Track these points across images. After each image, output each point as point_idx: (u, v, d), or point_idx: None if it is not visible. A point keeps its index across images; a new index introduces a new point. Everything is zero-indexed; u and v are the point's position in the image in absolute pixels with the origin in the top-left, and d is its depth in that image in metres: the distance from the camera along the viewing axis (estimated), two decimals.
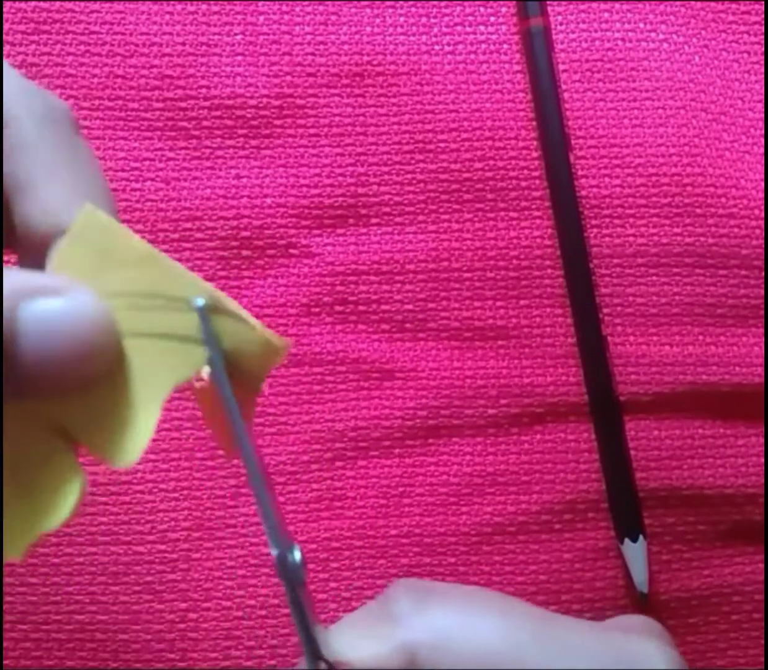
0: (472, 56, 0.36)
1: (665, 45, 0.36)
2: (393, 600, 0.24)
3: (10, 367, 0.17)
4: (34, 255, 0.20)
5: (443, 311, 0.34)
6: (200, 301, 0.19)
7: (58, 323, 0.17)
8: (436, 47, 0.36)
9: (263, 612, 0.32)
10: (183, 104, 0.35)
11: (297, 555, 0.21)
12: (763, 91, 0.36)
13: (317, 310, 0.34)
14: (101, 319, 0.18)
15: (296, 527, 0.33)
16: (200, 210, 0.34)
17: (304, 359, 0.34)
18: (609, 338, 0.34)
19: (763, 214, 0.34)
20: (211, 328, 0.19)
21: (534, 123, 0.35)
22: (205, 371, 0.19)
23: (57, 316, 0.17)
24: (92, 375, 0.18)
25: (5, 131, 0.20)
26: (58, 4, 0.35)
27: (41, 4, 0.35)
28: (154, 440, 0.23)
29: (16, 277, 0.17)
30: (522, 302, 0.34)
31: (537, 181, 0.35)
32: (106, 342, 0.18)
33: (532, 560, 0.33)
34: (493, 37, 0.36)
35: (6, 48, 0.35)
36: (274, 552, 0.20)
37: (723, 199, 0.35)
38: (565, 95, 0.35)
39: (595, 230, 0.35)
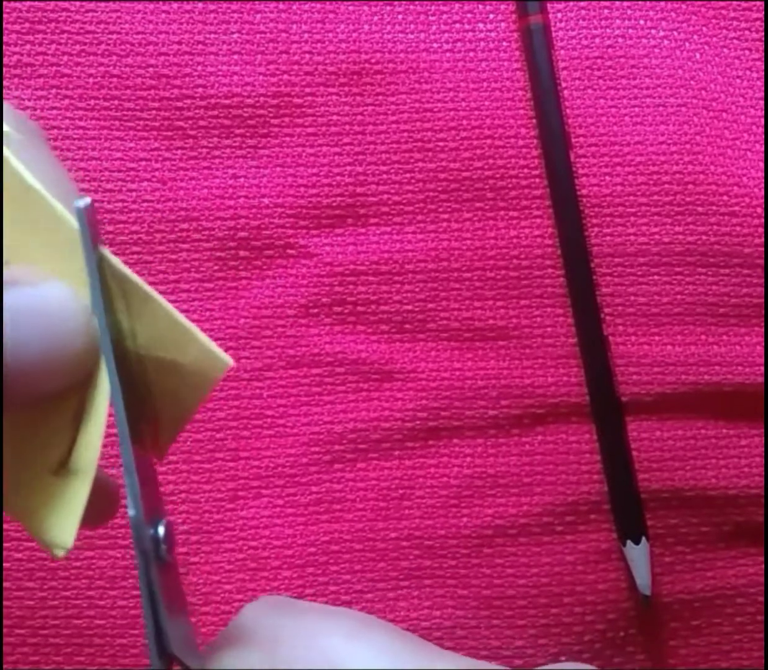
0: (471, 54, 0.35)
1: (666, 42, 0.36)
2: (249, 618, 0.22)
3: None
4: None
5: (443, 312, 0.34)
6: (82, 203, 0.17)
7: (32, 315, 0.16)
8: (435, 45, 0.35)
9: None
10: (179, 104, 0.34)
11: (161, 529, 0.18)
12: (764, 87, 0.36)
13: (316, 311, 0.34)
14: (77, 312, 0.17)
15: (295, 530, 0.32)
16: (197, 210, 0.34)
17: (303, 360, 0.33)
18: (610, 338, 0.34)
19: (764, 212, 0.34)
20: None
21: (534, 121, 0.35)
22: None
23: (29, 307, 0.16)
24: (66, 379, 0.17)
25: None
26: (53, 3, 0.35)
27: (36, 3, 0.35)
28: None
29: None
30: (522, 302, 0.34)
31: (537, 180, 0.35)
32: (85, 340, 0.17)
33: (533, 562, 0.33)
34: (492, 34, 0.36)
35: None
36: (130, 513, 0.17)
37: (725, 197, 0.34)
38: (565, 93, 0.35)
39: (595, 229, 0.34)
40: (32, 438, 0.18)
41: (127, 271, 0.18)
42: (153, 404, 0.19)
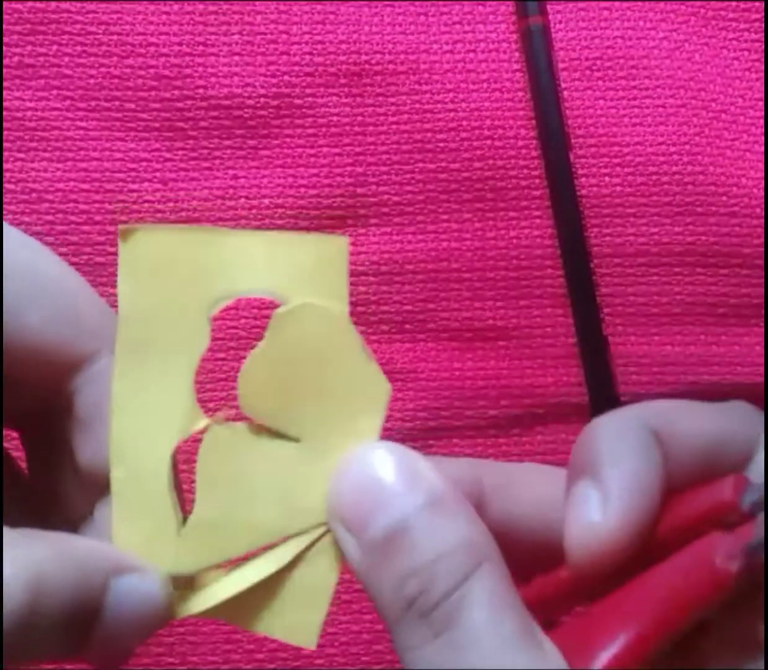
0: (471, 55, 0.36)
1: (665, 43, 0.36)
2: None
3: (87, 632, 0.18)
4: (88, 489, 0.21)
5: (443, 312, 0.34)
6: None
7: (137, 600, 0.19)
8: (435, 46, 0.35)
9: None
10: (180, 104, 0.35)
11: None
12: (763, 88, 0.36)
13: None
14: (164, 597, 0.20)
15: None
16: (198, 211, 0.34)
17: None
18: (610, 338, 0.34)
19: (764, 213, 0.34)
20: None
21: (533, 122, 0.35)
22: None
23: (137, 594, 0.19)
24: (136, 643, 0.20)
25: None
26: (54, 4, 0.35)
27: (37, 4, 0.35)
28: None
29: (101, 550, 0.19)
30: (522, 302, 0.34)
31: (537, 181, 0.35)
32: (162, 616, 0.20)
33: None
34: (492, 35, 0.36)
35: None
36: None
37: (724, 198, 0.34)
38: (565, 94, 0.35)
39: (595, 230, 0.34)
40: None
41: None
42: None
